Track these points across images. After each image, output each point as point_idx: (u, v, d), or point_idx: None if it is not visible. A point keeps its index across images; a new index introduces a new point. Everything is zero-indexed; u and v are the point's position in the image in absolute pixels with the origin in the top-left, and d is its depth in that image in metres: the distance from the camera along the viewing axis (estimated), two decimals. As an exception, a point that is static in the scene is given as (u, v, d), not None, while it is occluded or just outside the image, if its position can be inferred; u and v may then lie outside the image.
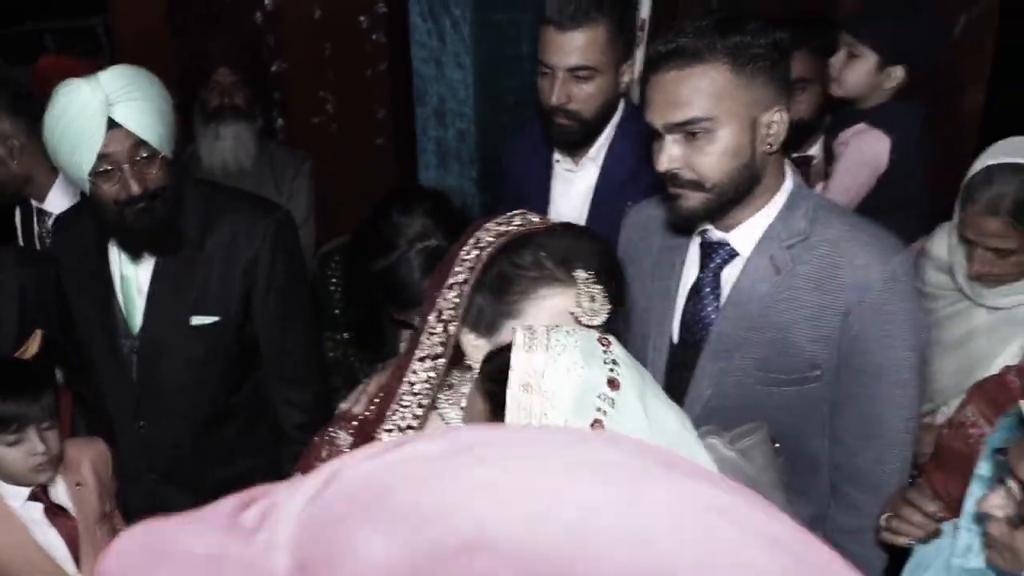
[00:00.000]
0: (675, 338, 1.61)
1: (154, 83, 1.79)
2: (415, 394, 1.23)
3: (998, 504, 1.07)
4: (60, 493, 1.93)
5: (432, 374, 1.23)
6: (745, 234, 1.53)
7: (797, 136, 2.45)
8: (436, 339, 1.22)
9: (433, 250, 1.70)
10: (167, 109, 1.80)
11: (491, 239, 1.21)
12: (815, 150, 2.56)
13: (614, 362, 0.97)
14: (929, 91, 2.66)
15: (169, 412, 2.01)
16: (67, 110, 1.71)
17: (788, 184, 1.54)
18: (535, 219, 1.26)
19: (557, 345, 0.97)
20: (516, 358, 0.95)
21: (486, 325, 1.21)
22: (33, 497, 1.88)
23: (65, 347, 2.08)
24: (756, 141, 1.46)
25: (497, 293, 1.19)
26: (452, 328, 1.21)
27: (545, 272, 1.18)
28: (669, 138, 1.45)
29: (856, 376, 1.49)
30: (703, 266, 1.59)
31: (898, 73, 2.34)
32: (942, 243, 2.06)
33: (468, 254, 1.21)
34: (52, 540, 1.90)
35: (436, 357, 1.22)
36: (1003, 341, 1.91)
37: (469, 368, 1.25)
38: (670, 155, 1.46)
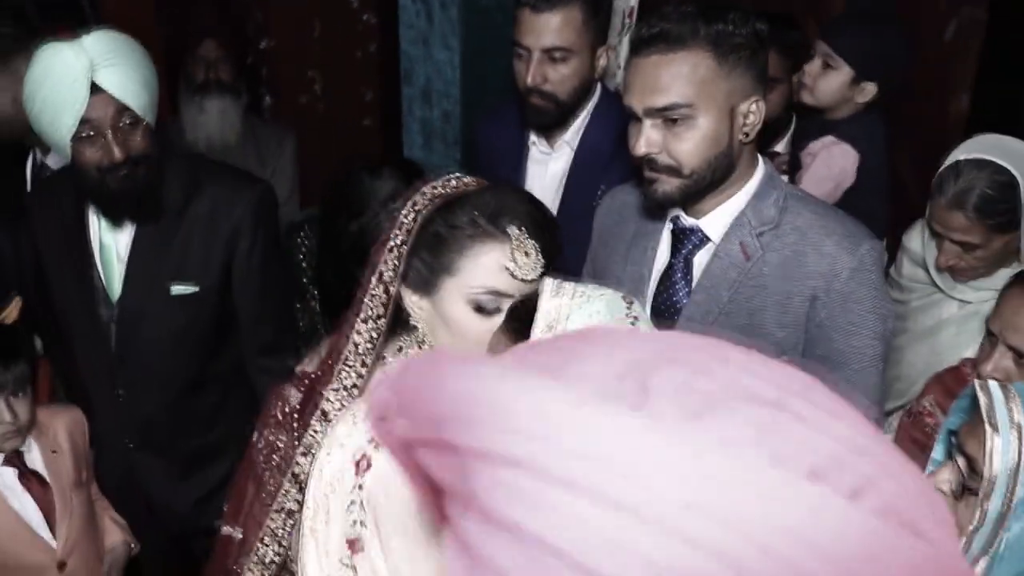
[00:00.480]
0: (647, 321, 1.64)
1: (137, 49, 1.79)
2: (359, 354, 1.29)
3: (945, 479, 1.10)
4: (35, 459, 1.93)
5: (375, 334, 1.29)
6: (716, 220, 1.56)
7: (763, 133, 2.47)
8: (377, 300, 1.28)
9: None
10: (150, 76, 1.80)
11: (426, 201, 1.26)
12: (779, 147, 2.59)
13: (635, 318, 1.01)
14: (916, 94, 2.69)
15: (147, 380, 2.02)
16: (49, 73, 1.70)
17: (759, 173, 1.56)
18: (470, 180, 1.31)
19: (583, 295, 1.01)
20: (543, 302, 0.98)
21: (425, 284, 1.26)
22: (7, 462, 1.88)
23: (42, 314, 2.08)
24: (734, 130, 1.48)
25: (434, 252, 1.25)
26: (392, 289, 1.27)
27: (479, 230, 1.23)
28: (648, 122, 1.47)
29: (820, 363, 1.52)
30: (674, 251, 1.61)
31: (871, 88, 2.35)
32: (917, 236, 2.10)
33: (405, 217, 1.26)
34: (27, 506, 1.90)
35: (378, 318, 1.28)
36: (971, 334, 1.95)
37: (415, 329, 1.31)
38: (648, 139, 1.47)
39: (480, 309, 1.24)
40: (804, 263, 1.48)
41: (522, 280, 1.23)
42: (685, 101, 1.43)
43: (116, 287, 1.97)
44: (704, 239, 1.57)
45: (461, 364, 0.43)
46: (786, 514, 0.36)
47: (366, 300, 1.28)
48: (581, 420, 0.38)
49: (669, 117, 1.45)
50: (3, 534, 1.86)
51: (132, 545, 2.11)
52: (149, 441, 2.07)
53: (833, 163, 2.35)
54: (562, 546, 0.37)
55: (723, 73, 1.44)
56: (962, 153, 1.85)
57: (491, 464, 0.39)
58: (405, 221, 1.26)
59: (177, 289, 1.95)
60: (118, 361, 2.01)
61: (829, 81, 2.36)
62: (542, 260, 1.25)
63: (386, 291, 1.27)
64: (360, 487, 0.90)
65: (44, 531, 1.91)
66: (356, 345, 1.29)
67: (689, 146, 1.46)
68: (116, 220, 1.92)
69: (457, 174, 1.33)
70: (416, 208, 1.26)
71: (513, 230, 1.23)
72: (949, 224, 1.84)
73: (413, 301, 1.29)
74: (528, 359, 0.46)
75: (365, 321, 1.29)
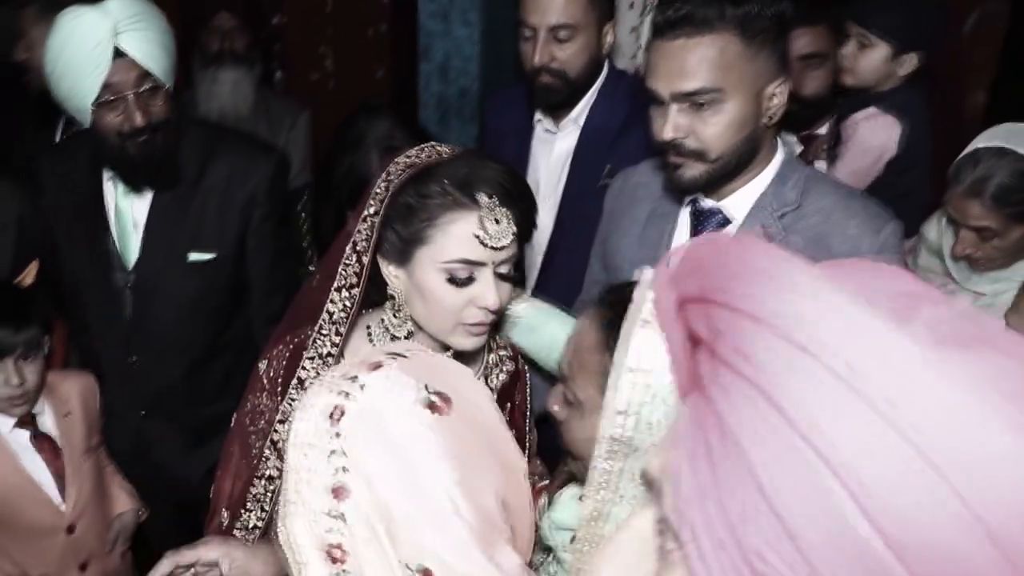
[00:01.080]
0: (663, 303, 1.63)
1: (157, 14, 1.78)
2: (333, 323, 1.29)
3: None
4: (47, 422, 1.93)
5: (348, 303, 1.28)
6: (737, 202, 1.54)
7: (809, 113, 2.46)
8: (351, 270, 1.28)
9: (395, 150, 1.72)
10: (170, 42, 1.79)
11: (399, 171, 1.26)
12: (822, 129, 2.56)
13: None
14: (935, 85, 2.67)
15: (162, 348, 2.01)
16: (72, 36, 1.69)
17: (779, 155, 1.55)
18: (444, 150, 1.30)
19: None
20: (640, 294, 0.97)
21: (399, 254, 1.26)
22: (21, 424, 1.89)
23: (55, 278, 2.07)
24: (759, 113, 1.46)
25: (405, 223, 1.25)
26: (365, 259, 1.26)
27: (448, 198, 1.23)
28: (675, 107, 1.44)
29: None
30: (694, 233, 1.59)
31: (912, 60, 2.34)
32: (934, 227, 2.09)
33: (378, 187, 1.26)
34: (38, 469, 1.91)
35: (351, 287, 1.28)
36: (983, 327, 1.94)
37: (392, 298, 1.31)
38: (675, 124, 1.45)
39: (453, 279, 1.24)
40: (828, 245, 1.47)
41: (493, 248, 1.22)
42: (713, 85, 1.41)
43: (131, 253, 1.97)
44: (725, 220, 1.56)
45: (757, 245, 0.49)
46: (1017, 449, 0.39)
47: (340, 269, 1.28)
48: (846, 312, 0.43)
49: (697, 102, 1.43)
50: (15, 495, 1.87)
51: (140, 512, 2.12)
52: (161, 409, 2.07)
53: (877, 133, 2.34)
54: (791, 407, 0.41)
55: (750, 56, 1.42)
56: (982, 141, 1.84)
57: (758, 325, 0.44)
58: (378, 191, 1.26)
59: (194, 256, 1.95)
60: (133, 328, 2.01)
61: (868, 59, 2.36)
62: (513, 228, 1.24)
63: (359, 261, 1.27)
64: (337, 434, 0.90)
65: (54, 494, 1.92)
66: (330, 314, 1.29)
67: (717, 130, 1.44)
68: (135, 186, 1.91)
69: (432, 143, 1.31)
70: (388, 178, 1.26)
71: (483, 198, 1.23)
72: (966, 212, 1.84)
73: (389, 271, 1.29)
74: (813, 268, 0.50)
75: (339, 290, 1.28)
